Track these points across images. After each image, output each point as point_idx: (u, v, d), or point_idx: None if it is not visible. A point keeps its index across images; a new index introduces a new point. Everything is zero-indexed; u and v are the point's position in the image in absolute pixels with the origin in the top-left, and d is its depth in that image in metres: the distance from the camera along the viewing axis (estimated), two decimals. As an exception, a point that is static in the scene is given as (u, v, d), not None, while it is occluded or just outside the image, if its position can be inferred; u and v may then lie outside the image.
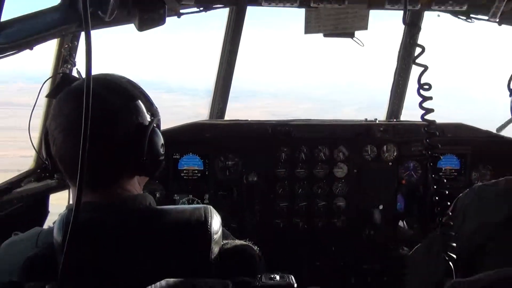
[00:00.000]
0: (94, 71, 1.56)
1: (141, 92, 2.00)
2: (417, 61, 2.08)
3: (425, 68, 2.12)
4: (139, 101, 1.97)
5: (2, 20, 2.38)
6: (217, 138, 3.44)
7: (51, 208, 3.40)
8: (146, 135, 1.88)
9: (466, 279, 1.07)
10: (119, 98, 1.91)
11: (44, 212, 3.35)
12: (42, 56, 2.96)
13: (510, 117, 2.13)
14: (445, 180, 2.30)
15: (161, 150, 1.97)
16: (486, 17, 3.30)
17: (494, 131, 3.80)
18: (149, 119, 1.95)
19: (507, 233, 2.02)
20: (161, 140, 1.97)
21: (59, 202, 3.28)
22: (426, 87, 2.14)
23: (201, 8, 3.07)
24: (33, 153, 3.26)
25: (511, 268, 1.12)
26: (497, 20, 3.28)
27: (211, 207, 1.88)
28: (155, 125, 1.96)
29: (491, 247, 2.05)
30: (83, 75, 1.60)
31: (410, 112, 4.03)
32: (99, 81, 1.89)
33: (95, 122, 1.55)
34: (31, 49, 2.54)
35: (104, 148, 1.84)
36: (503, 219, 2.05)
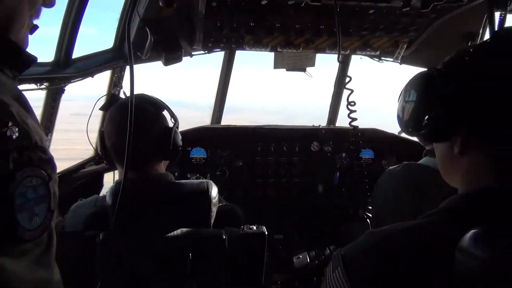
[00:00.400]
0: (135, 92, 1.59)
1: (166, 105, 2.03)
2: (347, 86, 2.12)
3: (352, 91, 2.16)
4: (166, 111, 2.01)
5: (74, 57, 2.38)
6: (215, 136, 3.47)
7: (104, 183, 3.40)
8: (171, 134, 1.92)
9: (377, 229, 1.07)
10: (153, 108, 1.96)
11: (100, 186, 3.35)
12: (101, 82, 2.95)
13: None
14: (364, 165, 2.35)
15: (180, 144, 1.99)
16: (392, 59, 3.33)
17: (396, 133, 3.86)
18: (172, 124, 2.01)
19: (397, 200, 2.02)
20: (180, 137, 2.00)
21: (109, 180, 3.28)
22: (352, 104, 2.17)
23: (206, 51, 3.07)
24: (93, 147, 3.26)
25: (408, 222, 1.09)
26: (399, 61, 3.32)
27: (211, 181, 1.91)
28: (176, 128, 2.01)
29: (390, 209, 2.06)
30: (128, 95, 1.66)
31: (342, 121, 4.06)
32: (139, 97, 1.93)
33: (138, 124, 1.60)
34: (92, 76, 2.54)
35: (143, 141, 1.86)
36: (393, 191, 2.06)
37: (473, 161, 1.06)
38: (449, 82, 1.06)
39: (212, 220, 1.87)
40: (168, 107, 2.00)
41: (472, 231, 0.87)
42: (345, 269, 1.02)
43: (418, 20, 2.78)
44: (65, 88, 2.53)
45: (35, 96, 2.44)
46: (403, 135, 3.86)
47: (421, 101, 1.11)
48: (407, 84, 1.18)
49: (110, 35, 2.76)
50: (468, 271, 0.86)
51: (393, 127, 3.85)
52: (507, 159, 1.01)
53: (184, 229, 1.78)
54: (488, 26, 2.30)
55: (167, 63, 2.73)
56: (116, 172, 2.48)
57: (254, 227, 1.95)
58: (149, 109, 1.91)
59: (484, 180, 1.04)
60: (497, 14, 2.21)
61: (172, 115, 2.01)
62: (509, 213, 0.96)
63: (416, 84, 1.14)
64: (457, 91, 1.04)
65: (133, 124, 1.53)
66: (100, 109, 2.22)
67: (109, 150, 1.92)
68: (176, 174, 3.50)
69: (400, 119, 1.21)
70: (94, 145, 2.75)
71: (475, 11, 2.53)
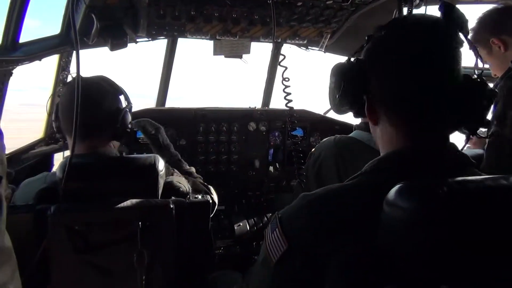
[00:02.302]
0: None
1: (123, 90, 1.99)
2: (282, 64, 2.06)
3: (286, 68, 2.11)
4: (120, 92, 1.95)
5: (22, 41, 2.24)
6: (160, 118, 3.36)
7: (54, 164, 3.23)
8: (121, 113, 1.86)
9: (309, 192, 1.08)
10: (110, 88, 1.90)
11: (50, 165, 3.18)
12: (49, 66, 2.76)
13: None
14: (299, 142, 2.38)
15: (128, 125, 1.94)
16: (317, 48, 3.37)
17: (322, 113, 3.94)
18: (124, 105, 1.95)
19: (326, 169, 2.05)
20: (129, 119, 1.95)
21: (59, 159, 3.12)
22: (287, 79, 2.13)
23: (150, 38, 2.97)
24: (42, 130, 3.09)
25: (336, 184, 1.12)
26: (323, 50, 3.37)
27: (158, 155, 1.85)
28: (128, 109, 1.95)
29: (320, 177, 2.09)
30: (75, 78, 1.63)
31: (275, 103, 4.08)
32: (99, 77, 1.91)
33: (93, 97, 1.58)
34: (40, 60, 2.38)
35: (94, 114, 1.80)
36: (322, 160, 2.08)
37: (384, 130, 1.16)
38: (356, 67, 1.17)
39: (160, 191, 1.82)
40: (125, 92, 1.95)
41: (397, 185, 0.90)
42: (282, 230, 1.04)
43: (339, 13, 2.83)
44: (13, 72, 2.35)
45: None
46: (328, 115, 3.96)
47: (339, 85, 1.21)
48: (330, 71, 1.27)
49: (54, 27, 2.58)
50: (394, 221, 0.89)
51: (322, 107, 3.94)
52: (406, 126, 1.11)
53: (134, 200, 1.73)
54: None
55: (113, 48, 2.62)
56: (67, 152, 2.36)
57: (199, 196, 1.93)
58: (105, 87, 1.88)
59: (393, 145, 1.13)
60: (405, 10, 2.29)
61: (127, 98, 1.95)
62: (418, 170, 1.04)
63: (335, 70, 1.24)
64: (362, 73, 1.14)
65: (87, 97, 1.52)
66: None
67: (61, 121, 1.85)
68: (123, 153, 3.37)
69: (330, 100, 1.30)
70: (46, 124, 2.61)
71: (387, 6, 2.61)
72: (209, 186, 2.27)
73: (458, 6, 2.53)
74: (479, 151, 2.17)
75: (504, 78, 1.95)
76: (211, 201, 1.95)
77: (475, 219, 0.87)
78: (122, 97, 1.91)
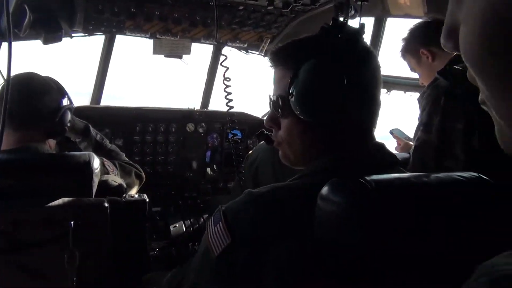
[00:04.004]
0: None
1: (65, 91, 1.94)
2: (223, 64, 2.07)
3: (227, 68, 2.11)
4: (65, 93, 1.91)
5: None
6: (95, 116, 3.26)
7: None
8: (61, 111, 1.83)
9: (255, 189, 1.11)
10: (55, 85, 1.87)
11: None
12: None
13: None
14: (233, 144, 2.42)
15: (66, 124, 1.91)
16: (257, 52, 3.45)
17: (261, 117, 4.01)
18: (65, 104, 1.91)
19: (251, 172, 2.10)
20: (68, 119, 1.92)
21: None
22: (228, 79, 2.13)
23: (86, 34, 2.88)
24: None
25: (280, 183, 1.16)
26: (263, 54, 3.45)
27: (93, 153, 1.81)
28: (69, 109, 1.92)
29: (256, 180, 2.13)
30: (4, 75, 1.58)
31: (214, 105, 4.09)
32: (46, 76, 1.87)
33: (35, 90, 1.55)
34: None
35: (33, 105, 1.76)
36: (250, 162, 2.13)
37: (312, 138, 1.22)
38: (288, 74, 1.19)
39: (94, 190, 1.78)
40: (67, 92, 1.91)
41: (330, 181, 0.97)
42: (226, 223, 1.06)
43: (279, 19, 2.92)
44: None
45: None
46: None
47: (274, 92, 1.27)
48: None
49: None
50: (328, 215, 0.96)
51: (258, 111, 4.00)
52: (326, 136, 1.19)
53: (66, 199, 1.67)
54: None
55: (46, 42, 2.51)
56: None
57: (136, 195, 1.90)
58: (50, 84, 1.86)
59: (317, 152, 1.21)
60: (341, 19, 2.42)
61: (69, 99, 1.92)
62: (351, 170, 1.12)
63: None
64: (290, 80, 1.17)
65: (30, 88, 1.57)
66: None
67: None
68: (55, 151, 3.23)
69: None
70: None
71: (325, 15, 2.73)
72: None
73: (389, 19, 2.70)
74: (406, 155, 2.32)
75: (430, 87, 2.07)
76: (147, 199, 1.94)
77: (400, 211, 0.96)
78: (65, 99, 1.89)
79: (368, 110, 1.21)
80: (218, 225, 1.07)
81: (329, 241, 0.97)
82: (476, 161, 1.85)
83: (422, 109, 2.05)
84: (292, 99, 1.15)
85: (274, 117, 1.27)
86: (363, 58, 1.21)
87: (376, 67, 1.23)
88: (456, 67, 2.01)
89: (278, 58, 1.26)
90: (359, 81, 1.17)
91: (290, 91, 1.15)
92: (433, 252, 0.96)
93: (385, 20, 2.94)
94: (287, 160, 1.29)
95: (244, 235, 1.04)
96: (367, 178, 0.97)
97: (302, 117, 1.15)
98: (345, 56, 1.16)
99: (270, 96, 1.28)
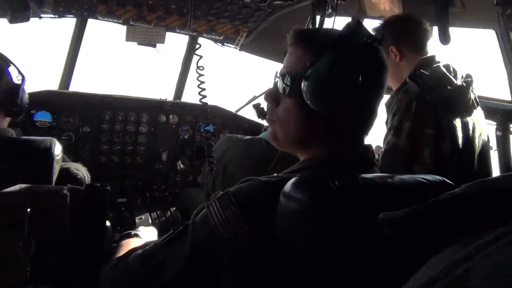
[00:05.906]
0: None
1: (11, 61, 1.83)
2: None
3: (201, 57, 2.00)
4: (10, 62, 1.81)
5: None
6: (62, 101, 3.17)
7: None
8: (19, 90, 1.75)
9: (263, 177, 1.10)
10: (1, 60, 1.76)
11: None
12: None
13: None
14: (205, 137, 2.39)
15: (26, 102, 1.82)
16: (233, 46, 3.42)
17: (234, 111, 3.99)
18: (19, 82, 1.81)
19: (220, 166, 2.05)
20: (26, 96, 1.83)
21: None
22: (201, 68, 2.03)
23: (56, 15, 2.79)
24: None
25: (255, 178, 1.13)
26: (239, 48, 3.42)
27: (55, 139, 1.75)
28: (23, 85, 1.83)
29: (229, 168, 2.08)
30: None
31: (187, 96, 4.04)
32: None
33: None
34: None
35: None
36: (220, 156, 2.08)
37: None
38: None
39: (55, 178, 1.73)
40: (14, 64, 1.79)
41: (293, 178, 0.96)
42: (239, 207, 1.04)
43: (256, 13, 2.90)
44: None
45: None
46: (239, 113, 4.02)
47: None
48: None
49: None
50: (289, 211, 0.95)
51: (231, 105, 3.98)
52: (324, 130, 1.19)
53: (23, 185, 1.61)
54: (310, 26, 2.50)
55: (12, 21, 2.41)
56: None
57: (98, 184, 1.86)
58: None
59: (308, 142, 1.21)
60: (318, 17, 2.42)
61: (19, 72, 1.81)
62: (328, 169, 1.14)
63: None
64: (309, 65, 1.15)
65: None
66: None
67: None
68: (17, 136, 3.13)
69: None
70: None
71: (302, 12, 2.73)
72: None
73: (365, 20, 2.70)
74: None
75: (401, 91, 2.08)
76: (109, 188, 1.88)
77: (361, 210, 0.96)
78: (13, 70, 1.78)
79: (367, 116, 1.23)
80: (230, 209, 1.04)
81: (289, 237, 0.96)
82: (443, 166, 1.88)
83: (393, 113, 2.06)
84: (306, 83, 1.13)
85: (276, 93, 1.24)
86: (379, 68, 1.22)
87: (384, 82, 1.24)
88: (424, 72, 2.04)
89: (304, 38, 1.22)
90: (370, 87, 1.18)
91: (306, 74, 1.13)
92: (389, 252, 0.96)
93: (361, 21, 2.95)
94: (274, 140, 1.27)
95: (262, 219, 1.02)
96: (334, 178, 0.97)
97: (308, 103, 1.13)
98: (366, 59, 1.16)
99: (277, 72, 1.25)
